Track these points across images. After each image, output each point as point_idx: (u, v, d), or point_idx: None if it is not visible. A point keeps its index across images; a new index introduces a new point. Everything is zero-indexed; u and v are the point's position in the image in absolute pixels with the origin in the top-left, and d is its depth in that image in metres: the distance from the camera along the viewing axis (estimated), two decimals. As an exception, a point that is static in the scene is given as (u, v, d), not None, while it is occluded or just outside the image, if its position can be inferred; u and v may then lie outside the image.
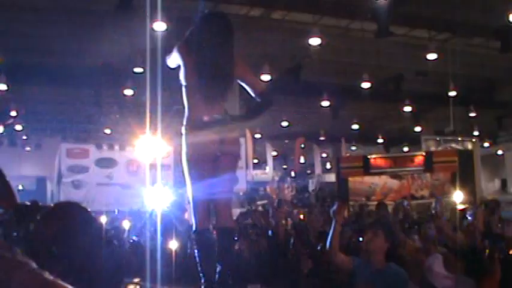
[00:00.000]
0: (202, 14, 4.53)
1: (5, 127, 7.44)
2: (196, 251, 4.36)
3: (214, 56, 4.28)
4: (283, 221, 8.63)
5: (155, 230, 8.99)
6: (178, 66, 4.39)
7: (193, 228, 4.33)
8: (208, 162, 4.25)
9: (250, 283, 7.30)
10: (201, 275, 4.35)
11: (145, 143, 13.96)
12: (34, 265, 1.88)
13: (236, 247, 8.59)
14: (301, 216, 10.47)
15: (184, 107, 4.33)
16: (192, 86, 4.28)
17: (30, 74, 14.38)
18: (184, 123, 4.30)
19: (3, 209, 5.57)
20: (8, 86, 15.16)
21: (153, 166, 14.84)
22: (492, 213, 8.76)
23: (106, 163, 17.25)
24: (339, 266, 4.79)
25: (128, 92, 16.31)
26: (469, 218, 8.34)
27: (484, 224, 7.34)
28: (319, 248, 6.84)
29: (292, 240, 7.47)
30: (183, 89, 4.34)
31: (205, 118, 4.20)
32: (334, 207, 4.77)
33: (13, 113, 16.84)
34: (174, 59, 4.42)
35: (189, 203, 4.36)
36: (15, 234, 5.39)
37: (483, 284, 4.87)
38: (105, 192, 16.31)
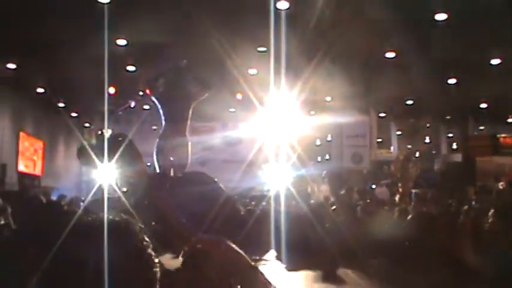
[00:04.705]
0: None
1: (136, 103, 7.93)
2: None
3: None
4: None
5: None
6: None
7: None
8: None
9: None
10: None
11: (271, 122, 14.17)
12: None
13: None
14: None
15: None
16: None
17: (156, 55, 14.89)
18: None
19: (134, 179, 5.90)
20: (135, 67, 15.95)
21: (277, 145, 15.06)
22: None
23: (231, 141, 17.59)
24: None
25: (252, 71, 16.57)
26: None
27: None
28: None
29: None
30: None
31: None
32: None
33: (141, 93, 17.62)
34: None
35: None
36: (146, 203, 5.72)
37: None
38: (228, 169, 16.66)
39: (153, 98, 7.21)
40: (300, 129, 17.75)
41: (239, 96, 18.57)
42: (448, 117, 25.93)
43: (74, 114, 22.53)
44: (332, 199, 12.90)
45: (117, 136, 5.96)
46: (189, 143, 7.24)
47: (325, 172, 16.73)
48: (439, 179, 19.64)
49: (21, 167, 20.11)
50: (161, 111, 7.31)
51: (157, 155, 6.96)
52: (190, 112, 7.32)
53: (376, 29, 14.31)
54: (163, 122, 7.27)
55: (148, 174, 6.01)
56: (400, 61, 16.19)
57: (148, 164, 6.49)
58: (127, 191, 5.93)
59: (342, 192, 13.35)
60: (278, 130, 15.22)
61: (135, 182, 5.82)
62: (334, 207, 10.52)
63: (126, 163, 5.73)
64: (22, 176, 19.99)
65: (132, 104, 8.26)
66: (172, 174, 6.44)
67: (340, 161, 14.92)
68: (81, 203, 11.02)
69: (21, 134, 20.19)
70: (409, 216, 7.35)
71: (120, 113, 8.77)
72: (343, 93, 14.35)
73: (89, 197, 8.59)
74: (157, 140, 7.13)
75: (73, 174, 22.34)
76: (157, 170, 6.75)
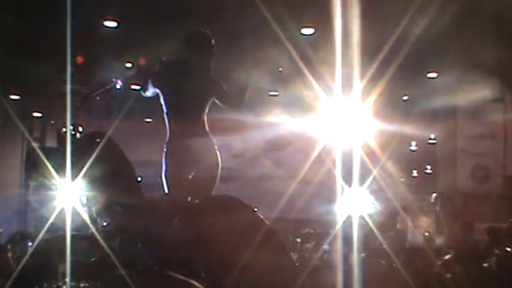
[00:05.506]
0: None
1: (124, 81, 7.73)
2: None
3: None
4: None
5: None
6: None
7: None
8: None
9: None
10: None
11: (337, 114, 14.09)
12: None
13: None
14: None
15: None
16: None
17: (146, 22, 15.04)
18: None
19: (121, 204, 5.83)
20: (117, 23, 16.01)
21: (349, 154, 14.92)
22: None
23: (271, 143, 17.48)
24: None
25: (307, 31, 16.62)
26: None
27: None
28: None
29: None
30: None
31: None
32: None
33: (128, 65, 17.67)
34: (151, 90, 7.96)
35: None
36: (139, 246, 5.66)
37: None
38: (269, 189, 16.49)
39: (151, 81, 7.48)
40: (385, 125, 17.62)
41: (282, 70, 18.52)
42: None
43: (14, 97, 22.11)
44: (441, 241, 12.78)
45: (93, 136, 5.91)
46: (215, 145, 7.48)
47: (435, 195, 16.46)
48: None
49: None
50: (162, 99, 7.36)
51: (167, 166, 7.05)
52: (208, 105, 7.84)
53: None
54: (166, 116, 7.32)
55: (144, 196, 5.94)
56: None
57: (140, 178, 6.41)
58: (108, 224, 5.86)
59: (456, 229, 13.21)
60: (348, 126, 15.10)
61: (122, 210, 5.74)
62: (448, 256, 10.41)
63: (107, 178, 5.65)
64: None
65: (118, 84, 8.12)
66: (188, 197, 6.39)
67: (452, 177, 14.60)
68: (29, 245, 10.94)
69: None
70: None
71: (98, 98, 8.61)
72: (458, 67, 14.14)
73: (41, 235, 8.40)
74: (166, 143, 7.28)
75: (14, 195, 22.22)
76: (165, 190, 6.84)
